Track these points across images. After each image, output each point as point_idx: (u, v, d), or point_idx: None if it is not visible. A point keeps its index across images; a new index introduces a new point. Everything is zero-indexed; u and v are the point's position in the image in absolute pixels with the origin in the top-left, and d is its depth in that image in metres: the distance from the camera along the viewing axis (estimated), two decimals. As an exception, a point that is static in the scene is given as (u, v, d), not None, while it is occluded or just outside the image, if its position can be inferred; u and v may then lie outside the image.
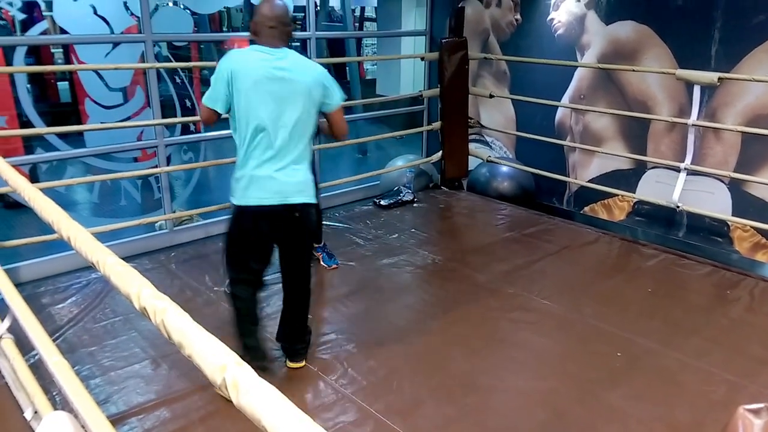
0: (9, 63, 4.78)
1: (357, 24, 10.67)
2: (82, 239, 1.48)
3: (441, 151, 5.57)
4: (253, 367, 1.33)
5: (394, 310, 3.45)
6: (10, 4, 4.35)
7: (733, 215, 4.09)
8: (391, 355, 2.99)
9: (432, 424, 2.51)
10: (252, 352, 2.64)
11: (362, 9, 11.73)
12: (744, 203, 4.06)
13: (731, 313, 3.46)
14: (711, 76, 3.89)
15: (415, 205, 5.25)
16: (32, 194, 1.85)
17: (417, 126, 5.89)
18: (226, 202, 4.49)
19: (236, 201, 2.56)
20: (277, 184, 2.49)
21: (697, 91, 4.03)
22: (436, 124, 5.57)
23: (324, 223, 4.81)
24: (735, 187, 4.08)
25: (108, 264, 1.32)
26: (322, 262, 3.91)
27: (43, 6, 4.93)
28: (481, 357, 2.98)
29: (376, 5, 9.85)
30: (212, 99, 2.49)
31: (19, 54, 4.36)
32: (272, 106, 2.44)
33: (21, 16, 5.05)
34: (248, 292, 2.71)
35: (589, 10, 4.63)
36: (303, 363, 2.84)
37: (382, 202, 5.19)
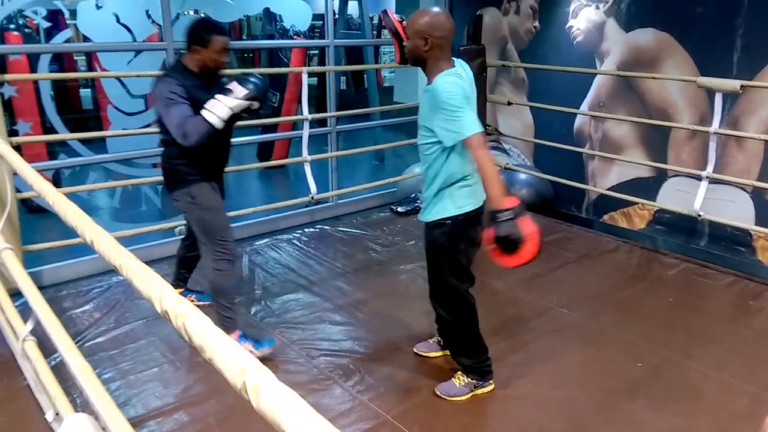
0: (34, 70, 4.88)
1: (375, 32, 10.71)
2: (105, 243, 1.50)
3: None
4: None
5: (411, 316, 3.44)
6: (35, 12, 4.43)
7: (756, 224, 4.03)
8: (408, 362, 2.98)
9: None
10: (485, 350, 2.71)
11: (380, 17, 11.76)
12: (767, 212, 4.00)
13: (754, 324, 3.41)
14: (733, 84, 3.85)
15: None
16: (56, 199, 1.88)
17: (435, 133, 5.88)
18: (243, 208, 4.55)
19: (471, 205, 2.48)
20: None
21: (719, 98, 3.98)
22: (454, 132, 5.56)
23: (341, 228, 4.83)
24: (758, 196, 4.02)
25: (130, 267, 1.33)
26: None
27: (67, 14, 5.03)
28: (498, 365, 2.95)
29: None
30: (477, 123, 2.31)
31: (44, 61, 4.44)
32: None
33: (45, 24, 5.15)
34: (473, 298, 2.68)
35: (608, 18, 4.61)
36: (460, 373, 2.72)
37: (399, 209, 5.20)
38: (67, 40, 5.08)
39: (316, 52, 9.51)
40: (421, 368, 2.94)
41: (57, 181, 4.98)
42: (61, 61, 7.64)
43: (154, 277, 1.28)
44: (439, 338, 3.01)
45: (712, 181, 4.13)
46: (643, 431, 2.51)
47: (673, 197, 4.44)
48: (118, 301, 3.56)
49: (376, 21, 10.03)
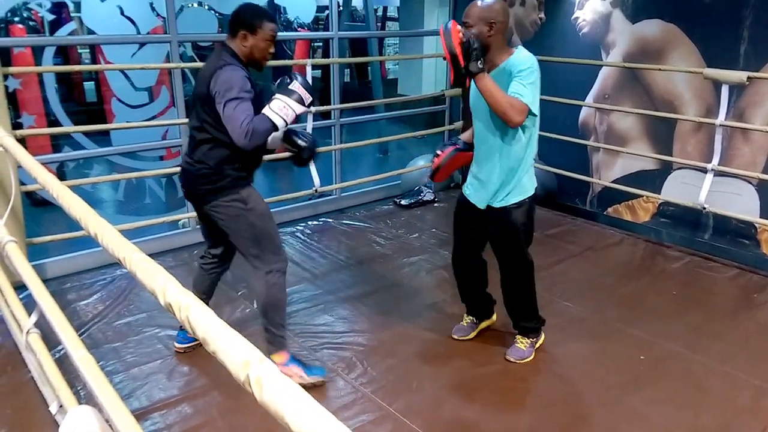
0: (38, 63, 4.87)
1: (379, 24, 10.68)
2: (109, 236, 1.50)
3: (463, 151, 5.55)
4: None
5: (414, 309, 3.44)
6: (40, 5, 4.43)
7: (761, 217, 4.01)
8: (410, 355, 2.99)
9: (452, 425, 2.50)
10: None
11: (385, 9, 11.72)
12: (773, 205, 3.98)
13: (758, 317, 3.40)
14: (740, 76, 3.82)
15: (435, 204, 5.23)
16: (60, 191, 1.88)
17: (438, 126, 5.87)
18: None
19: (533, 188, 2.73)
20: None
21: (725, 90, 3.95)
22: (458, 124, 5.55)
23: (344, 221, 4.83)
24: (763, 189, 4.00)
25: (134, 260, 1.33)
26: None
27: (71, 7, 5.02)
28: (501, 358, 2.96)
29: (398, 5, 9.84)
30: (535, 102, 2.52)
31: (48, 54, 4.43)
32: None
33: (50, 16, 5.14)
34: None
35: (614, 9, 4.57)
36: (521, 337, 2.99)
37: (403, 202, 5.19)
38: (72, 33, 5.07)
39: (320, 44, 9.48)
40: (424, 361, 2.94)
41: (61, 173, 4.98)
42: (66, 53, 7.63)
43: (157, 269, 1.27)
44: (472, 317, 3.14)
45: (718, 173, 4.11)
46: (648, 425, 2.51)
47: (677, 190, 4.42)
48: (121, 293, 3.57)
49: (380, 13, 9.99)
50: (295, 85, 2.42)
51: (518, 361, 2.91)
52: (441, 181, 2.79)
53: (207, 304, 2.81)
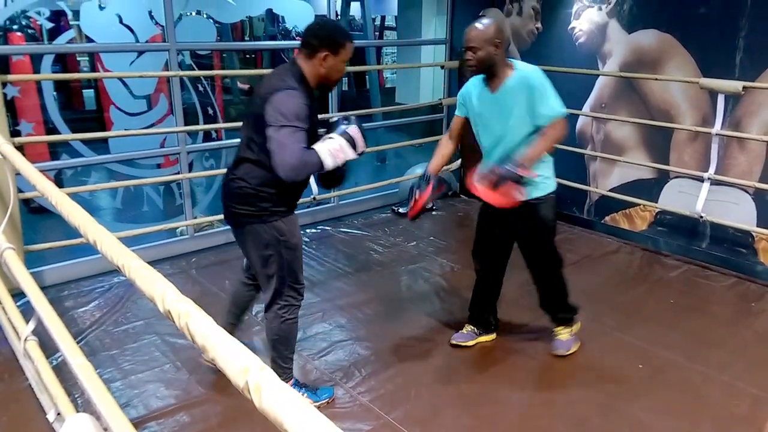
0: (36, 71, 4.88)
1: (377, 33, 10.72)
2: (108, 243, 1.50)
3: (460, 160, 5.57)
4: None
5: (413, 317, 3.44)
6: (39, 13, 4.44)
7: (757, 226, 4.02)
8: (409, 364, 2.98)
9: (450, 434, 2.50)
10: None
11: (383, 18, 11.78)
12: (769, 214, 3.99)
13: (755, 326, 3.40)
14: (736, 85, 3.85)
15: (433, 213, 5.24)
16: (59, 199, 1.89)
17: (436, 134, 5.89)
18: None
19: (554, 184, 2.87)
20: None
21: (721, 100, 3.98)
22: (456, 133, 5.56)
23: (342, 229, 4.83)
24: (760, 198, 4.01)
25: (133, 267, 1.34)
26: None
27: (70, 15, 5.03)
28: (500, 367, 2.96)
29: (396, 14, 9.90)
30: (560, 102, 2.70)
31: (47, 62, 4.44)
32: None
33: (49, 24, 5.15)
34: None
35: (611, 19, 4.60)
36: (561, 328, 3.10)
37: (401, 210, 5.20)
38: (70, 41, 5.08)
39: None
40: (422, 370, 2.93)
41: (59, 181, 4.98)
42: (64, 61, 7.65)
43: (156, 277, 1.28)
44: (474, 327, 3.17)
45: (714, 182, 4.12)
46: (645, 433, 2.51)
47: (674, 199, 4.43)
48: (119, 301, 3.56)
49: (378, 22, 10.03)
50: (354, 130, 2.35)
51: (567, 353, 3.03)
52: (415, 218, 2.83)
53: (239, 318, 2.83)
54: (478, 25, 2.64)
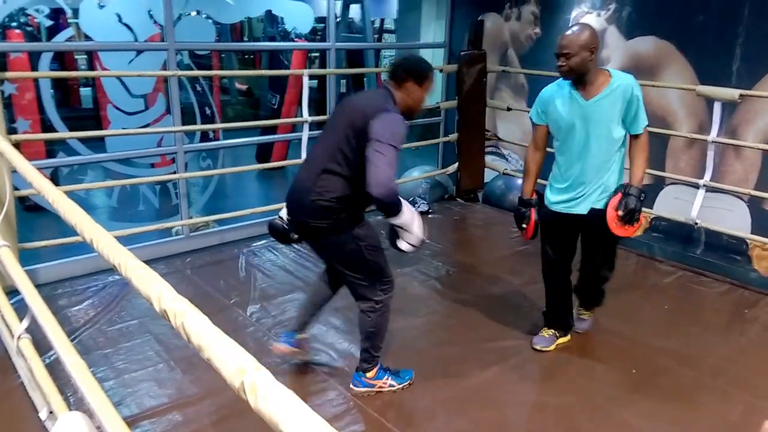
0: (34, 68, 4.87)
1: (376, 36, 10.72)
2: (105, 242, 1.50)
3: (457, 163, 5.58)
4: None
5: (407, 320, 3.44)
6: (38, 10, 4.43)
7: (752, 233, 4.04)
8: (403, 365, 2.97)
9: (444, 437, 2.50)
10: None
11: (382, 21, 11.79)
12: (764, 221, 4.01)
13: (749, 333, 3.42)
14: (732, 93, 3.86)
15: (429, 216, 5.24)
16: (56, 197, 1.88)
17: (433, 137, 5.90)
18: (241, 209, 4.55)
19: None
20: None
21: (717, 107, 4.00)
22: (453, 136, 5.58)
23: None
24: (755, 205, 4.03)
25: (129, 266, 1.33)
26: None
27: (69, 13, 5.03)
28: (494, 370, 2.96)
29: (395, 17, 9.91)
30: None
31: (45, 60, 4.44)
32: None
33: (47, 22, 5.15)
34: None
35: (609, 25, 4.62)
36: (585, 312, 3.33)
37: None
38: (69, 39, 5.08)
39: (317, 54, 9.53)
40: (417, 371, 2.93)
41: (55, 179, 4.97)
42: (62, 59, 7.64)
43: (153, 276, 1.28)
44: (554, 330, 3.18)
45: (710, 189, 4.14)
46: (638, 438, 2.51)
47: (670, 205, 4.45)
48: (113, 299, 3.55)
49: (377, 24, 10.04)
50: (419, 229, 2.49)
51: (588, 331, 3.27)
52: (531, 238, 3.08)
53: (314, 313, 2.89)
54: (573, 29, 2.65)
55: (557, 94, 2.78)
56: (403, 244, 2.50)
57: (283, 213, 2.66)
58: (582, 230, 2.95)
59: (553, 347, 3.14)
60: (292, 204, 2.56)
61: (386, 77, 2.55)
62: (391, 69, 2.54)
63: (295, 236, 2.66)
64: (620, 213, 2.70)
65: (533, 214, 2.97)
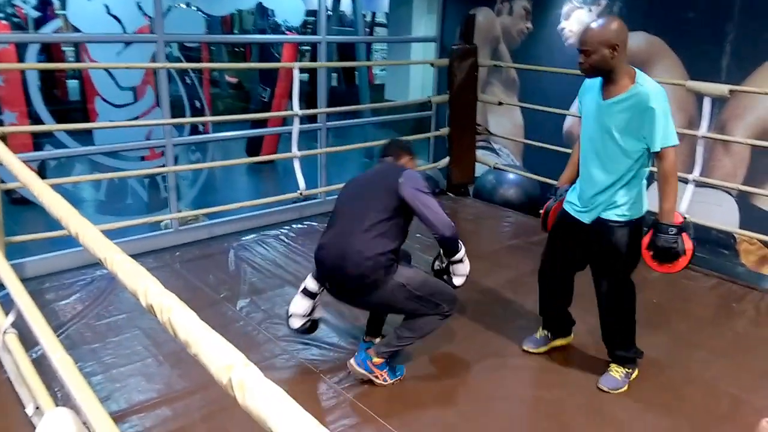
0: (21, 60, 4.81)
1: (368, 29, 10.70)
2: (91, 236, 1.48)
3: (448, 157, 5.57)
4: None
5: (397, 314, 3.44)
6: (25, 1, 4.38)
7: (740, 228, 4.07)
8: (393, 360, 2.98)
9: (433, 430, 2.50)
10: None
11: (373, 14, 11.76)
12: (751, 216, 4.04)
13: (736, 327, 3.44)
14: (722, 88, 3.88)
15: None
16: (41, 190, 1.86)
17: (424, 131, 5.89)
18: (231, 203, 4.52)
19: (646, 207, 2.64)
20: None
21: (707, 103, 4.01)
22: (444, 130, 5.57)
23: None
24: (743, 200, 4.06)
25: (116, 261, 1.32)
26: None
27: (56, 4, 4.97)
28: (484, 364, 2.97)
29: (387, 11, 9.88)
30: (674, 132, 2.46)
31: (32, 51, 4.39)
32: None
33: (35, 13, 5.09)
34: None
35: (599, 20, 4.62)
36: (615, 366, 2.84)
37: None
38: (57, 31, 5.02)
39: (308, 48, 9.49)
40: (408, 366, 2.93)
41: (42, 172, 4.92)
42: (50, 51, 7.55)
43: (139, 270, 1.26)
44: (547, 331, 3.05)
45: (699, 184, 4.16)
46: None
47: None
48: (101, 294, 3.52)
49: (369, 18, 10.01)
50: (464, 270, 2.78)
51: (611, 391, 2.74)
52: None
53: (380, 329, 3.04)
54: (597, 23, 2.42)
55: (591, 86, 2.59)
56: (457, 280, 2.77)
57: (311, 284, 2.84)
58: (585, 246, 2.73)
59: (545, 349, 3.04)
60: (332, 269, 2.68)
61: (382, 157, 2.94)
62: (387, 148, 2.97)
63: (318, 316, 2.93)
64: (651, 253, 2.53)
65: (550, 203, 2.86)
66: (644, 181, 2.59)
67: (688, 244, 2.52)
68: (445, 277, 2.80)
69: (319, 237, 2.80)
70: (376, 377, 2.73)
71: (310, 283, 2.84)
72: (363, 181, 2.82)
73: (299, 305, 2.85)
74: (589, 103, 2.58)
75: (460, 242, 2.70)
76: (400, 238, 2.66)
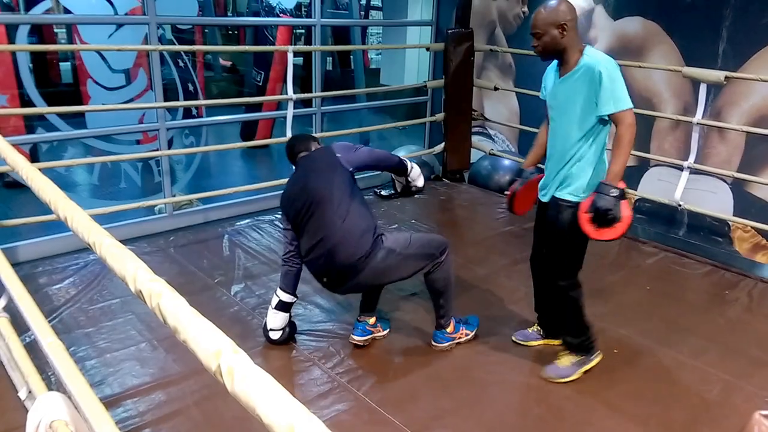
0: (12, 41, 4.75)
1: (363, 12, 10.59)
2: (79, 220, 1.47)
3: (443, 143, 5.55)
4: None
5: (392, 299, 3.44)
6: (14, -19, 4.31)
7: (734, 215, 4.07)
8: (388, 345, 2.99)
9: (427, 416, 2.51)
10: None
11: (368, -3, 11.65)
12: (745, 204, 4.05)
13: (729, 314, 3.46)
14: (718, 75, 3.87)
15: (416, 196, 5.22)
16: (30, 173, 1.83)
17: (420, 117, 5.87)
18: (225, 187, 4.50)
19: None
20: None
21: (703, 89, 4.00)
22: (440, 116, 5.54)
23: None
24: (737, 188, 4.06)
25: (104, 245, 1.30)
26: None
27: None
28: (477, 350, 2.98)
29: (382, -6, 9.79)
30: (627, 95, 2.47)
31: (22, 33, 4.33)
32: None
33: (25, -6, 5.01)
34: None
35: (597, 5, 4.59)
36: (564, 352, 2.80)
37: (383, 192, 5.18)
38: (47, 12, 4.95)
39: (303, 31, 9.40)
40: (401, 352, 2.94)
41: (34, 155, 4.88)
42: (41, 32, 7.45)
43: (128, 255, 1.25)
44: (539, 327, 3.03)
45: (693, 171, 4.16)
46: (620, 417, 2.54)
47: (654, 187, 4.47)
48: (95, 278, 3.51)
49: (363, 1, 9.91)
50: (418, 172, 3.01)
51: (554, 380, 2.72)
52: (521, 213, 2.92)
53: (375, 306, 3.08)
54: (543, 6, 2.47)
55: (551, 69, 2.66)
56: (419, 181, 3.02)
57: (284, 297, 2.84)
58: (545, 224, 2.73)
59: (534, 344, 3.00)
60: (328, 272, 2.73)
61: (299, 154, 2.85)
62: (298, 145, 2.89)
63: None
64: (589, 214, 2.44)
65: (516, 185, 2.83)
66: (604, 165, 2.55)
67: (626, 211, 2.44)
68: (413, 188, 3.05)
69: (301, 244, 2.76)
70: (459, 338, 2.96)
71: (284, 296, 2.83)
72: (306, 183, 2.71)
73: (277, 320, 2.85)
74: (550, 86, 2.66)
75: (404, 160, 2.96)
76: (369, 209, 2.76)
